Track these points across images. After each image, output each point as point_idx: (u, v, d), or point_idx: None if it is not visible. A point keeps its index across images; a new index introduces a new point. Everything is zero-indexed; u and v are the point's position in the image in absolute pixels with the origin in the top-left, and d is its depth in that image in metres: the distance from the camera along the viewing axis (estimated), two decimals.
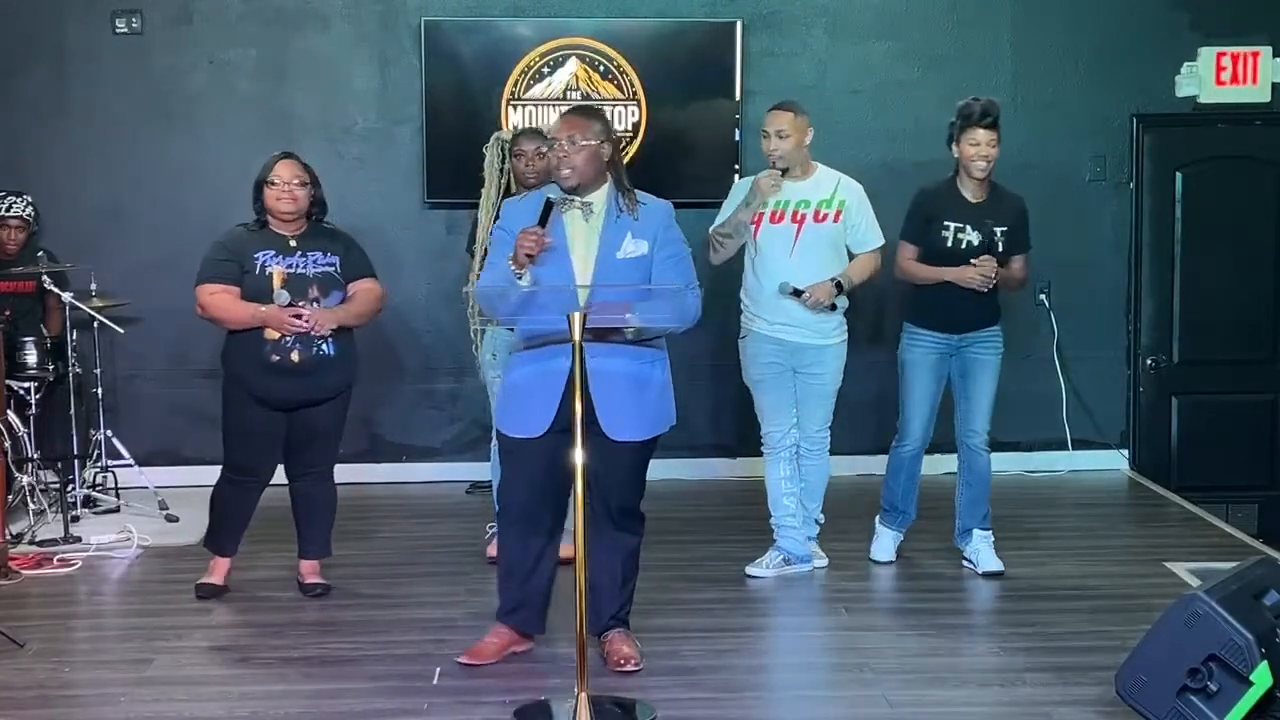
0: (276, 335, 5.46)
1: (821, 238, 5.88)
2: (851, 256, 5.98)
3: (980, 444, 5.99)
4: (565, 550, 6.07)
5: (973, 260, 5.78)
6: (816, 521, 6.22)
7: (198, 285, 5.53)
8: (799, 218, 5.88)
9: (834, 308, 5.90)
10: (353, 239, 5.80)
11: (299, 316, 5.42)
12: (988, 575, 5.94)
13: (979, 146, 5.71)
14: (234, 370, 5.58)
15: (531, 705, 4.56)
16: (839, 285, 5.84)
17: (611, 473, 4.79)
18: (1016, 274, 5.94)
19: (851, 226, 5.93)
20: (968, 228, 5.79)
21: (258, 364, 5.48)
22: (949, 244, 5.80)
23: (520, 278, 4.59)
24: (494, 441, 6.25)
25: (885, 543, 6.20)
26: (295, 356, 5.48)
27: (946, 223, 5.80)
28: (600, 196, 4.76)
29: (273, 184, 5.54)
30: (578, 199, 4.74)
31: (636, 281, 4.69)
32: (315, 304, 5.51)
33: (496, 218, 6.03)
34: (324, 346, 5.54)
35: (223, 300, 5.49)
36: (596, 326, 4.54)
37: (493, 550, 6.21)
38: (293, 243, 5.57)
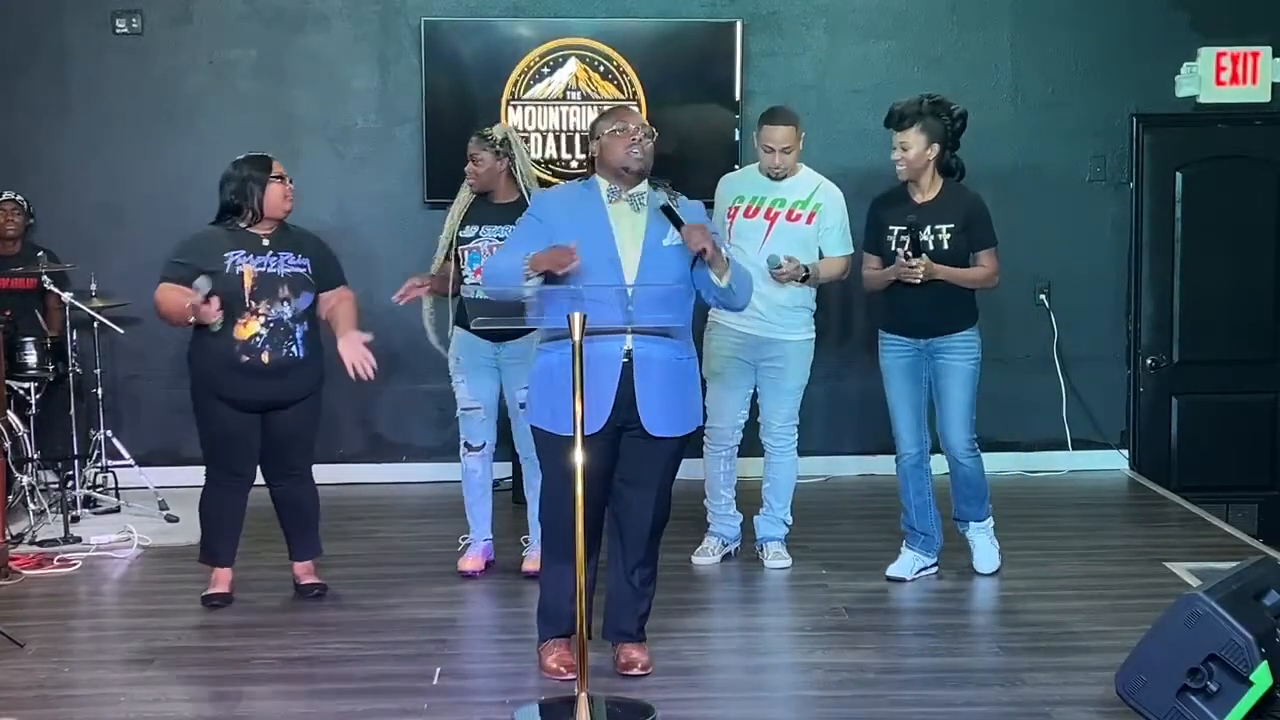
0: (247, 335, 5.42)
1: (791, 237, 5.93)
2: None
3: (960, 454, 5.82)
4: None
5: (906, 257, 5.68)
6: (784, 523, 6.22)
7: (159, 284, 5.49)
8: (772, 215, 5.95)
9: (806, 278, 5.90)
10: (322, 241, 5.77)
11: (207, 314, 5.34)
12: (978, 573, 5.90)
13: (894, 150, 5.71)
14: (201, 371, 5.52)
15: (531, 705, 4.55)
16: (807, 271, 5.89)
17: (649, 472, 4.76)
18: (975, 272, 5.75)
19: (825, 230, 5.99)
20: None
21: (226, 364, 5.43)
22: (891, 247, 5.75)
23: (528, 278, 4.57)
24: (523, 446, 5.96)
25: (904, 561, 5.92)
26: (265, 358, 5.44)
27: (890, 226, 5.76)
28: (644, 186, 4.79)
29: (278, 181, 5.52)
30: (664, 187, 4.75)
31: (678, 268, 4.69)
32: (284, 304, 5.47)
33: (463, 223, 5.90)
34: (293, 349, 5.51)
35: (166, 294, 5.42)
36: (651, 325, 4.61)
37: (529, 565, 5.95)
38: (265, 242, 5.52)
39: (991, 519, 6.00)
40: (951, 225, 5.70)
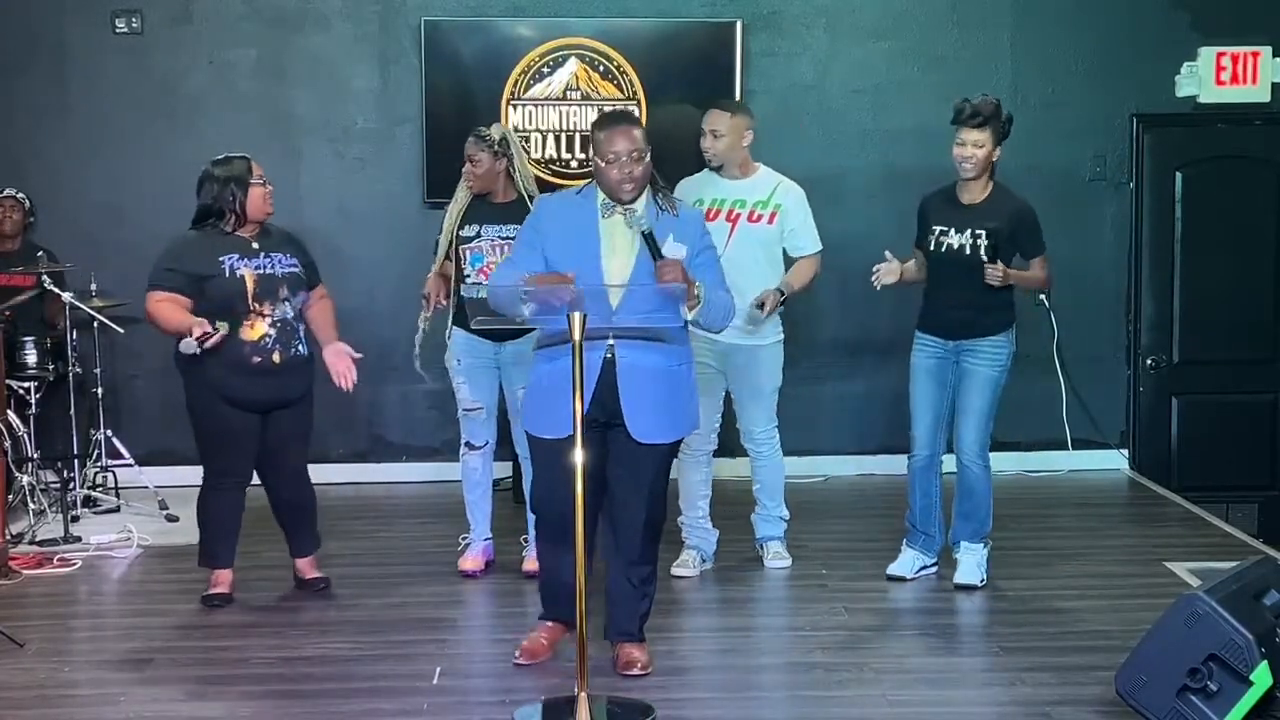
0: (256, 336, 5.43)
1: (754, 238, 5.91)
2: (789, 260, 6.02)
3: (970, 459, 5.78)
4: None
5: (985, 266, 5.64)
6: (782, 519, 6.22)
7: (148, 290, 5.46)
8: (733, 217, 5.93)
9: (784, 299, 5.91)
10: (299, 240, 5.79)
11: (206, 335, 5.31)
12: (958, 587, 5.77)
13: (964, 147, 5.64)
14: (204, 373, 5.46)
15: (531, 705, 4.55)
16: (782, 294, 5.87)
17: (637, 475, 4.77)
18: (1029, 277, 5.81)
19: (789, 231, 5.96)
20: (951, 230, 5.69)
21: (235, 365, 5.42)
22: (932, 247, 5.74)
23: (524, 302, 4.54)
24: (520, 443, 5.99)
25: (904, 559, 5.92)
26: (276, 357, 5.46)
27: (934, 226, 5.74)
28: (642, 200, 4.77)
29: (259, 184, 5.52)
30: (637, 210, 4.72)
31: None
32: (285, 304, 5.49)
33: (463, 222, 5.91)
34: (299, 346, 5.54)
35: (165, 308, 5.40)
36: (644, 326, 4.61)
37: (529, 564, 5.96)
38: (254, 244, 5.52)
39: (986, 549, 5.85)
40: (994, 229, 5.66)
